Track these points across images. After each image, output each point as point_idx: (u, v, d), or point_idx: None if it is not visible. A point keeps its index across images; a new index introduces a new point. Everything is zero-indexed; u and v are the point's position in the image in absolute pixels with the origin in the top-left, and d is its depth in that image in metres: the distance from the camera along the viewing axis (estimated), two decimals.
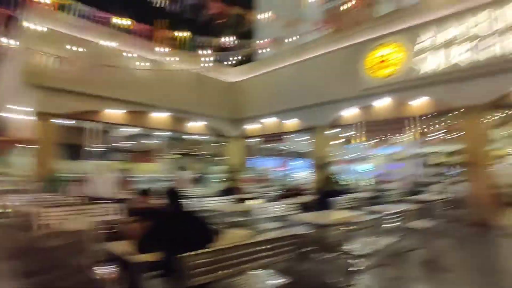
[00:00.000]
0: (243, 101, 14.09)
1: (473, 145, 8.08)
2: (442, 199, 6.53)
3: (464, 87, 8.20)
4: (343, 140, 13.66)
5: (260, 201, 7.79)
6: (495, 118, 9.60)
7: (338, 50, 10.83)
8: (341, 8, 9.74)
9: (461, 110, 8.27)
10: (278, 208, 6.05)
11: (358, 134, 11.10)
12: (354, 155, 15.00)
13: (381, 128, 10.77)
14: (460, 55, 7.89)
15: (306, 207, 6.62)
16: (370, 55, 9.82)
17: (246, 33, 12.30)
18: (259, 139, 14.52)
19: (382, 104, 10.14)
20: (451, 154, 8.77)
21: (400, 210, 4.78)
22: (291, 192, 8.90)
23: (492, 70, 7.62)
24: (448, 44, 8.12)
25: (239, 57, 12.94)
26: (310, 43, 11.97)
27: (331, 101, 11.02)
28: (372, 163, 14.76)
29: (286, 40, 12.08)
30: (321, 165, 10.43)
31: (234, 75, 14.52)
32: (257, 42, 11.98)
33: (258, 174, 14.90)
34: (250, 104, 13.84)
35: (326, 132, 11.60)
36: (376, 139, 13.02)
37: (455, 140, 9.97)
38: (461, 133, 8.48)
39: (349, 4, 9.33)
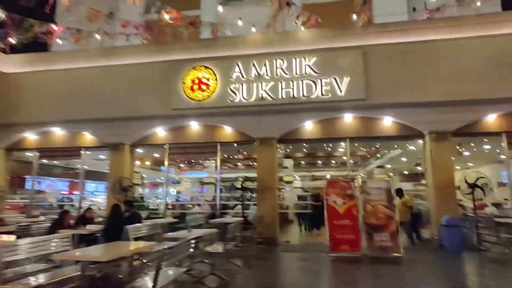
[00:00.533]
0: (18, 101, 10.49)
1: (265, 172, 9.32)
2: (238, 221, 6.88)
3: (262, 121, 9.48)
4: (150, 161, 12.70)
5: (13, 237, 5.47)
6: (286, 149, 11.86)
7: (154, 63, 10.14)
8: (162, 21, 9.25)
9: (258, 140, 9.47)
10: (47, 243, 4.30)
11: (167, 156, 10.54)
12: (161, 178, 14.21)
13: (190, 152, 10.73)
14: (266, 91, 9.09)
15: (90, 240, 5.27)
16: (187, 75, 9.73)
17: (41, 13, 9.40)
18: (39, 153, 11.10)
19: (193, 127, 10.19)
20: (249, 179, 9.81)
21: (198, 235, 4.49)
22: (79, 220, 7.05)
23: (287, 108, 9.21)
24: (257, 79, 9.21)
25: (20, 41, 9.74)
26: (123, 48, 10.65)
27: (140, 117, 10.03)
28: (180, 187, 14.50)
29: (94, 37, 10.19)
30: (120, 188, 8.95)
31: (8, 64, 10.74)
32: (47, 26, 9.32)
33: (31, 199, 11.16)
34: (30, 106, 10.46)
35: (130, 151, 10.37)
36: (185, 162, 12.90)
37: (253, 167, 11.41)
38: (257, 161, 9.71)
39: (171, 18, 8.99)
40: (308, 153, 16.02)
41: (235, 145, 10.68)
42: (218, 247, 5.61)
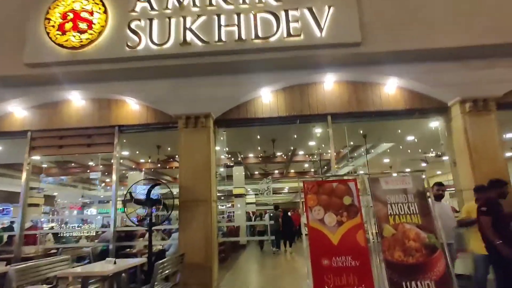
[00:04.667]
0: None
1: (193, 174, 5.56)
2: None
3: (188, 86, 5.79)
4: None
5: None
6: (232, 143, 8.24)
7: None
8: None
9: (181, 120, 5.71)
10: None
11: (28, 149, 6.28)
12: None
13: (70, 144, 6.54)
14: (192, 31, 5.43)
15: None
16: (54, 6, 5.73)
17: None
18: None
19: (73, 101, 6.17)
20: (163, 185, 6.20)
21: None
22: None
23: (229, 62, 5.61)
24: (177, 12, 5.53)
25: None
26: None
27: None
28: None
29: None
30: None
31: None
32: None
33: None
34: None
35: None
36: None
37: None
38: (179, 157, 5.95)
39: None
40: (264, 157, 12.57)
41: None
42: None
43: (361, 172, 9.28)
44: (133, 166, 12.59)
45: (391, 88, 5.92)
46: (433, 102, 5.87)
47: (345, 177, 4.45)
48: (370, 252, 3.83)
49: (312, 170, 17.97)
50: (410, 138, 8.76)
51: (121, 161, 12.82)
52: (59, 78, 5.73)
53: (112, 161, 6.27)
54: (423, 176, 4.20)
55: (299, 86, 6.04)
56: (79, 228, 10.17)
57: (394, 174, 4.39)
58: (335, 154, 6.19)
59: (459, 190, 5.62)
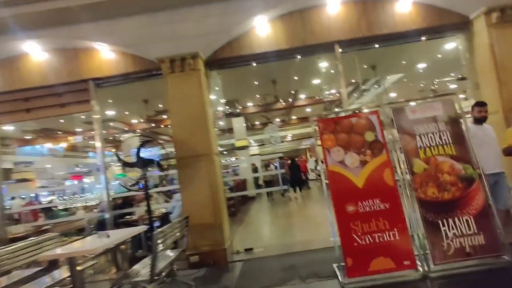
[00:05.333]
0: None
1: (187, 126, 4.91)
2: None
3: (168, 21, 4.85)
4: None
5: None
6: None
7: None
8: None
9: (165, 64, 4.88)
10: None
11: None
12: None
13: (39, 107, 5.72)
14: None
15: None
16: None
17: None
18: None
19: (34, 55, 5.22)
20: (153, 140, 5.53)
21: None
22: None
23: None
24: None
25: None
26: None
27: None
28: None
29: None
30: None
31: None
32: None
33: None
34: None
35: None
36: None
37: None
38: (168, 109, 5.19)
39: None
40: (264, 105, 11.73)
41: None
42: None
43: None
44: (126, 128, 11.79)
45: (405, 4, 5.07)
46: (453, 17, 5.07)
47: (365, 110, 3.84)
48: (400, 192, 3.40)
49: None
50: (423, 65, 7.93)
51: (111, 123, 12.11)
52: (9, 25, 4.72)
53: (93, 122, 5.53)
54: (455, 100, 3.61)
55: (299, 12, 5.13)
56: (76, 199, 9.69)
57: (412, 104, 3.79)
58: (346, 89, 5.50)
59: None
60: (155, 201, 6.17)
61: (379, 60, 7.23)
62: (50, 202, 10.18)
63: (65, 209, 7.88)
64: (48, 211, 5.95)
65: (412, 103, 3.71)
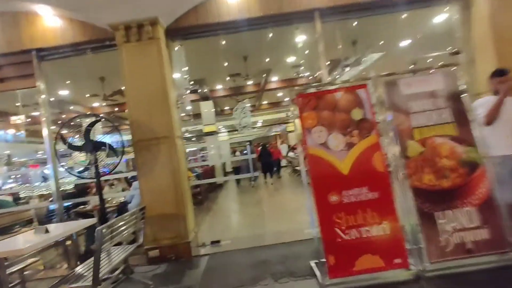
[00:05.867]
0: None
1: (145, 105, 4.22)
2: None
3: None
4: None
5: None
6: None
7: None
8: None
9: (119, 31, 4.13)
10: None
11: None
12: None
13: None
14: None
15: None
16: None
17: None
18: None
19: None
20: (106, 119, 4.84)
21: None
22: None
23: None
24: None
25: None
26: None
27: None
28: None
29: None
30: None
31: None
32: None
33: None
34: None
35: None
36: None
37: None
38: (124, 86, 4.46)
39: None
40: (234, 88, 10.95)
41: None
42: None
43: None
44: (88, 112, 10.86)
45: None
46: None
47: (350, 83, 3.27)
48: (390, 178, 2.90)
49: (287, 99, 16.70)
50: (409, 40, 7.37)
51: (71, 107, 11.13)
52: None
53: (38, 102, 4.73)
54: (456, 72, 3.09)
55: None
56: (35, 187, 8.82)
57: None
58: (327, 64, 4.91)
59: (477, 94, 4.67)
60: (113, 189, 5.50)
61: (362, 34, 6.64)
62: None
63: (18, 198, 7.08)
64: None
65: (408, 76, 3.17)
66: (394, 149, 2.97)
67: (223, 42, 5.61)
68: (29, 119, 10.80)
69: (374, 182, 2.86)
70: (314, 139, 3.00)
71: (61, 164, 3.91)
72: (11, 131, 13.73)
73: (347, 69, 7.35)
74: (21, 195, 7.65)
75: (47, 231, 2.91)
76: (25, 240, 2.76)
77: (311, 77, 10.36)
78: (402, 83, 3.09)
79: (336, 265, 2.72)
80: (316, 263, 3.09)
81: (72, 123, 3.86)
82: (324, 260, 2.80)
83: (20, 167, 14.39)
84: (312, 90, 3.22)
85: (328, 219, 2.82)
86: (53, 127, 4.78)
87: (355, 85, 3.15)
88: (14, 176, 13.65)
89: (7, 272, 3.14)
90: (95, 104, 10.95)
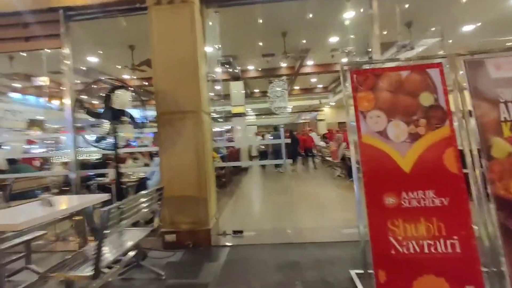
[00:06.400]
0: None
1: (173, 72, 3.79)
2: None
3: None
4: None
5: None
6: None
7: None
8: None
9: None
10: None
11: None
12: None
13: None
14: None
15: None
16: None
17: None
18: None
19: None
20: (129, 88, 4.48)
21: None
22: None
23: None
24: None
25: None
26: None
27: None
28: None
29: None
30: None
31: None
32: None
33: None
34: None
35: None
36: None
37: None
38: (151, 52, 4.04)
39: None
40: (267, 69, 10.35)
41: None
42: None
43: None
44: (118, 84, 10.72)
45: None
46: None
47: (417, 61, 2.67)
48: (466, 183, 2.30)
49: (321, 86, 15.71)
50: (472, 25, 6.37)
51: (103, 78, 11.09)
52: None
53: (62, 65, 4.45)
54: None
55: None
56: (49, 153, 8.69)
57: None
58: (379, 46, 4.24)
59: None
60: (134, 163, 5.21)
61: (418, 16, 5.79)
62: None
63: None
64: (12, 163, 5.03)
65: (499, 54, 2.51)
66: (472, 147, 2.36)
67: (261, 15, 5.06)
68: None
69: (444, 185, 2.27)
70: (369, 125, 2.45)
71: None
72: (44, 99, 14.03)
73: (403, 51, 6.52)
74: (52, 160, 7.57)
75: (51, 204, 2.59)
76: (25, 213, 2.44)
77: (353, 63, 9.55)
78: (491, 64, 2.44)
79: (388, 284, 2.19)
80: (358, 274, 2.58)
81: (94, 87, 3.53)
82: (370, 271, 2.29)
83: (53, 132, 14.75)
84: (368, 66, 2.65)
85: (381, 225, 2.28)
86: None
87: (426, 64, 2.54)
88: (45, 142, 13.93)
89: (11, 244, 2.91)
90: (125, 76, 10.79)
